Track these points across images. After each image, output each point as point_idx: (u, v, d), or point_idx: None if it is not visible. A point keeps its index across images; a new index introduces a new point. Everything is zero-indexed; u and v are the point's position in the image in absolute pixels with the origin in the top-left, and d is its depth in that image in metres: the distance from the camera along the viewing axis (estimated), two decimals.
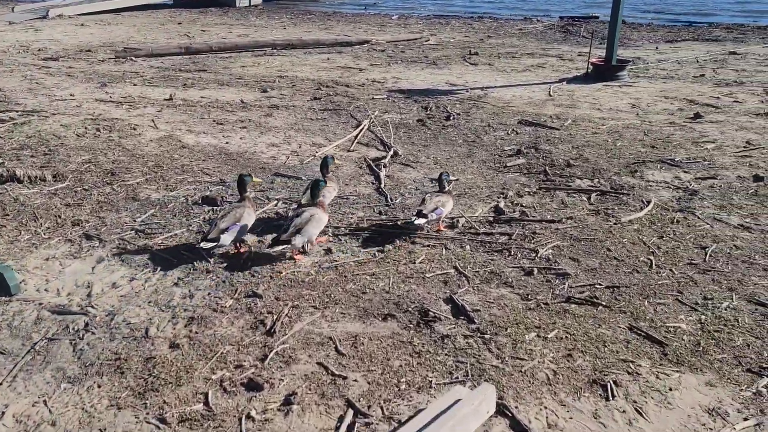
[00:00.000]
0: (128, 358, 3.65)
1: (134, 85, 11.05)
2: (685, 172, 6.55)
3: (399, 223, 5.40)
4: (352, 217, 5.59)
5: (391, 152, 7.31)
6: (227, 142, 7.86)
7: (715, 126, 8.26)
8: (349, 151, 7.54)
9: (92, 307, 4.18)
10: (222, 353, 3.66)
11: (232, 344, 3.74)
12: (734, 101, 9.57)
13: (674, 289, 4.29)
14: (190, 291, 4.33)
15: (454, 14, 22.58)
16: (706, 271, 4.51)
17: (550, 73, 12.04)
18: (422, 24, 19.68)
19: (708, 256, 4.72)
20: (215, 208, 5.76)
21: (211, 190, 6.20)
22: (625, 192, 6.02)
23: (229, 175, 6.69)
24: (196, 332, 3.85)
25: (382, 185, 6.35)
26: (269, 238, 4.86)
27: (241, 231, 4.72)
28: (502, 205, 5.72)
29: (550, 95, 10.17)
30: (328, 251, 4.93)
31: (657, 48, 14.84)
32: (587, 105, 9.56)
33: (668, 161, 6.85)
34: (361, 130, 8.18)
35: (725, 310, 4.03)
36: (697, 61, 12.93)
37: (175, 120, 8.84)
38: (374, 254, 4.90)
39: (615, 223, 5.31)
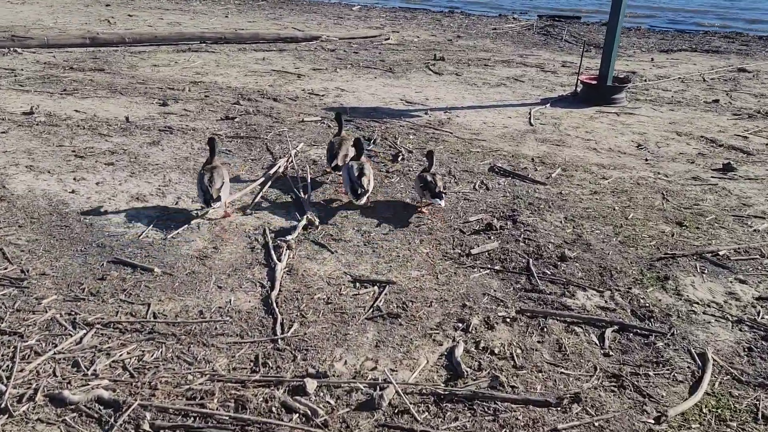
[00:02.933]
0: None
1: None
2: (741, 281, 4.30)
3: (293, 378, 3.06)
4: (198, 382, 3.22)
5: (304, 220, 4.95)
6: (73, 191, 5.41)
7: (756, 186, 6.07)
8: (245, 214, 5.15)
9: None
10: None
11: None
12: None
13: None
14: None
15: (422, 7, 20.19)
16: None
17: (530, 89, 9.77)
18: (385, 18, 17.24)
19: None
20: None
21: None
22: (657, 328, 3.74)
23: (43, 260, 4.24)
24: None
25: (275, 292, 3.99)
26: None
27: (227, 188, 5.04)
28: (459, 353, 3.41)
29: (531, 124, 7.90)
30: None
31: (653, 59, 12.70)
32: (579, 141, 7.31)
33: (710, 257, 4.61)
34: (272, 178, 5.79)
35: None
36: (704, 80, 10.80)
37: (18, 149, 6.32)
38: None
39: (657, 419, 3.01)
